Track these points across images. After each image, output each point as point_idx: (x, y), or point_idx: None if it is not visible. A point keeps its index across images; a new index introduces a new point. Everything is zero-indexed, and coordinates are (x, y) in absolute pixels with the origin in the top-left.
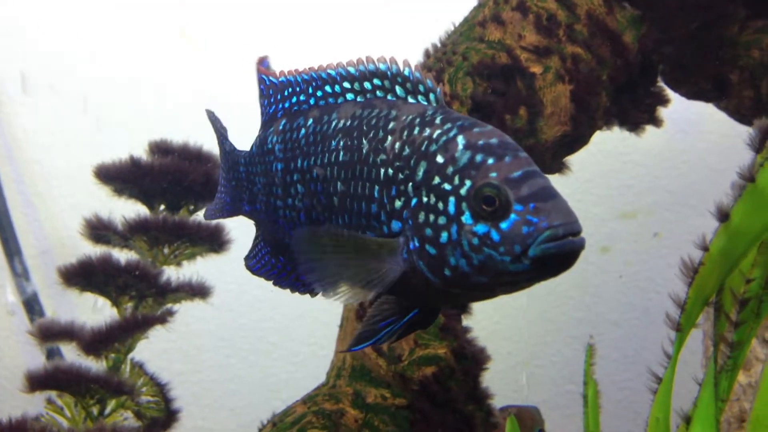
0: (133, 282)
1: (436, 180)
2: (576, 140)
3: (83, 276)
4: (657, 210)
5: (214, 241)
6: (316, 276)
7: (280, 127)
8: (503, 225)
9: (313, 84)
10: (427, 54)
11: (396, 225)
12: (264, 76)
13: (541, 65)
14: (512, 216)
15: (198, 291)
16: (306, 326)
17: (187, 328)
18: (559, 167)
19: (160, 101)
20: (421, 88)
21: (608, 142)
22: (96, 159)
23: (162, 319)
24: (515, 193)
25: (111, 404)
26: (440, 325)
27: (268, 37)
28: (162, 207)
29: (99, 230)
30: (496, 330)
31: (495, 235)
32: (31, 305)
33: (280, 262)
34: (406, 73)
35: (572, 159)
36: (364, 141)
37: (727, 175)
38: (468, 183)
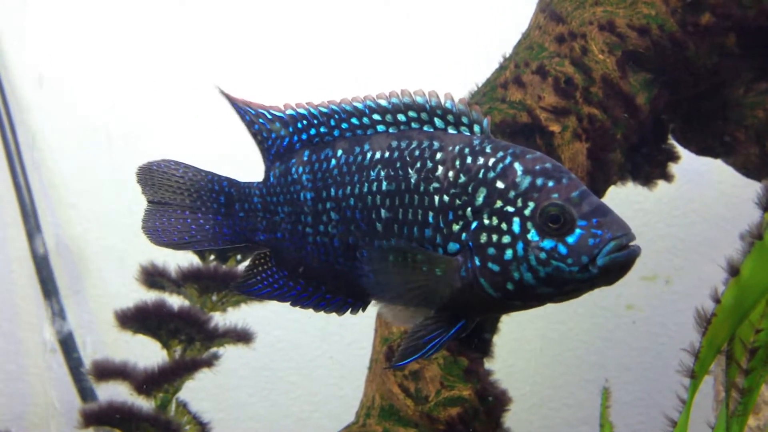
0: (184, 327)
1: (498, 204)
2: (593, 193)
3: (138, 320)
4: (668, 257)
5: None
6: (381, 290)
7: (305, 158)
8: (570, 239)
9: (336, 117)
10: None
11: (453, 246)
12: (265, 111)
13: (560, 124)
14: (578, 231)
15: (242, 336)
16: (325, 367)
17: (212, 368)
18: None
19: (195, 144)
20: (464, 120)
21: (621, 191)
22: (126, 202)
23: (209, 363)
24: (578, 210)
25: None
26: (465, 368)
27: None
28: (212, 257)
29: (153, 276)
30: (510, 372)
31: (563, 249)
32: (67, 343)
33: (300, 285)
34: (448, 105)
35: None
36: (411, 171)
37: (735, 222)
38: (532, 204)
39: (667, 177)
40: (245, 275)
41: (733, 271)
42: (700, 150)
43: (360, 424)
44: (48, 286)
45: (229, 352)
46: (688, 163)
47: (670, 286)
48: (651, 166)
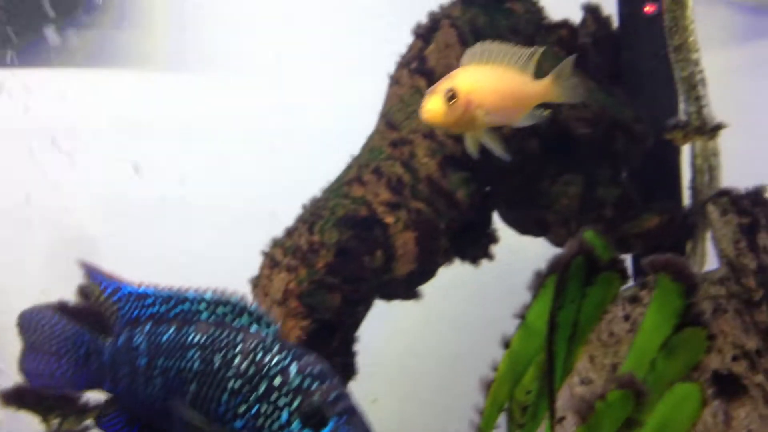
0: (58, 404)
1: (274, 396)
2: (423, 274)
3: (18, 398)
4: None
5: None
6: None
7: (146, 330)
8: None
9: (173, 301)
10: (304, 207)
11: (239, 423)
12: (127, 287)
13: (394, 217)
14: (331, 424)
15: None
16: None
17: None
18: (413, 295)
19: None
20: (264, 320)
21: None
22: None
23: None
24: (332, 409)
25: None
26: None
27: None
28: None
29: None
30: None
31: None
32: None
33: (136, 428)
34: (253, 308)
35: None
36: (217, 356)
37: None
38: (298, 400)
39: (489, 256)
40: (101, 410)
41: (506, 344)
42: (523, 231)
43: None
44: None
45: None
46: None
47: None
48: (475, 248)
